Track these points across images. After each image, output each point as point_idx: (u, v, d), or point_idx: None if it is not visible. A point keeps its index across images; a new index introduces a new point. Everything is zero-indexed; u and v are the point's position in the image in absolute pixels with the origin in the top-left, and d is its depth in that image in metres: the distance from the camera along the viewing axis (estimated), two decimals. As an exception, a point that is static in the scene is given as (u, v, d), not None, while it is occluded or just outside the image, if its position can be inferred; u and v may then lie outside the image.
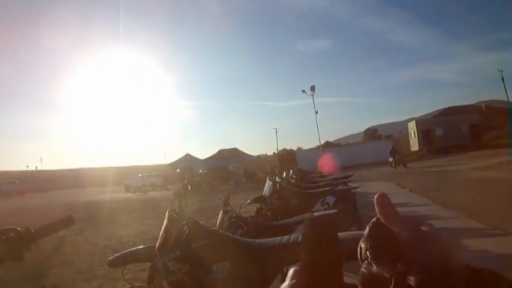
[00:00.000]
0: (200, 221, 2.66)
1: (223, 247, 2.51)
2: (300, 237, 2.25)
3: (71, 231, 9.74)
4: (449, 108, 57.72)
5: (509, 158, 19.15)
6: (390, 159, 26.29)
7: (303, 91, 40.47)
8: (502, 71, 55.08)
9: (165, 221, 2.67)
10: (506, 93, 54.24)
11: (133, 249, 3.15)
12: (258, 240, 2.56)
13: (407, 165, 24.75)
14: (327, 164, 23.79)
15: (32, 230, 2.39)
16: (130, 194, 29.87)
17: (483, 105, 57.28)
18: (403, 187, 13.87)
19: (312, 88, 39.73)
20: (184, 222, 2.56)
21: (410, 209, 8.85)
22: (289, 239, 2.42)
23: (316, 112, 40.07)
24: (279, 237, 2.49)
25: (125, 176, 39.62)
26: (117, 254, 3.10)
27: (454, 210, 7.84)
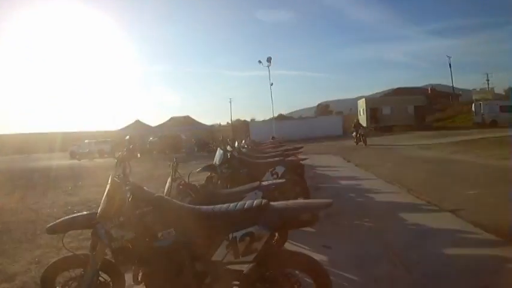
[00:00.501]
0: (145, 187, 2.58)
1: (168, 213, 2.46)
2: (246, 204, 2.26)
3: (12, 199, 9.27)
4: (398, 89, 60.20)
5: (448, 139, 20.48)
6: (353, 134, 24.34)
7: (259, 62, 40.10)
8: (450, 57, 58.26)
9: (108, 187, 2.57)
10: (452, 79, 57.70)
11: (73, 215, 3.02)
12: (204, 207, 2.54)
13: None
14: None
15: None
16: (76, 161, 28.72)
17: (429, 88, 60.29)
18: (349, 161, 14.42)
19: (269, 59, 39.39)
20: (127, 187, 2.47)
21: (355, 183, 9.25)
22: (236, 205, 2.43)
23: (271, 84, 40.02)
24: (226, 204, 2.49)
25: (72, 142, 37.89)
26: (56, 221, 2.96)
27: (395, 186, 8.28)
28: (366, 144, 22.22)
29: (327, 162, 14.25)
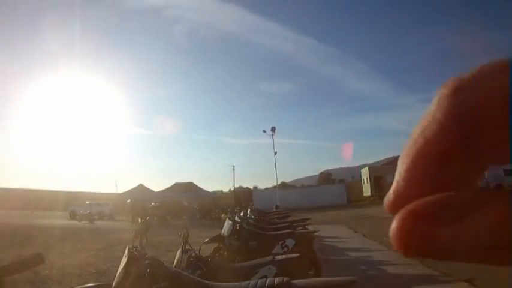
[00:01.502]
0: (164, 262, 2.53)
1: None
2: (267, 282, 2.19)
3: (8, 256, 8.99)
4: (399, 156, 60.70)
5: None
6: None
7: (264, 131, 41.19)
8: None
9: (125, 259, 2.52)
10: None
11: (86, 286, 2.93)
12: (223, 285, 2.47)
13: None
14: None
15: None
16: (76, 222, 28.23)
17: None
18: (356, 232, 14.12)
19: (273, 129, 40.53)
20: (147, 262, 2.42)
21: (364, 254, 8.98)
22: (256, 284, 2.35)
23: (275, 153, 40.62)
24: (244, 283, 2.42)
25: (72, 201, 37.60)
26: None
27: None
28: None
29: (334, 232, 13.96)
